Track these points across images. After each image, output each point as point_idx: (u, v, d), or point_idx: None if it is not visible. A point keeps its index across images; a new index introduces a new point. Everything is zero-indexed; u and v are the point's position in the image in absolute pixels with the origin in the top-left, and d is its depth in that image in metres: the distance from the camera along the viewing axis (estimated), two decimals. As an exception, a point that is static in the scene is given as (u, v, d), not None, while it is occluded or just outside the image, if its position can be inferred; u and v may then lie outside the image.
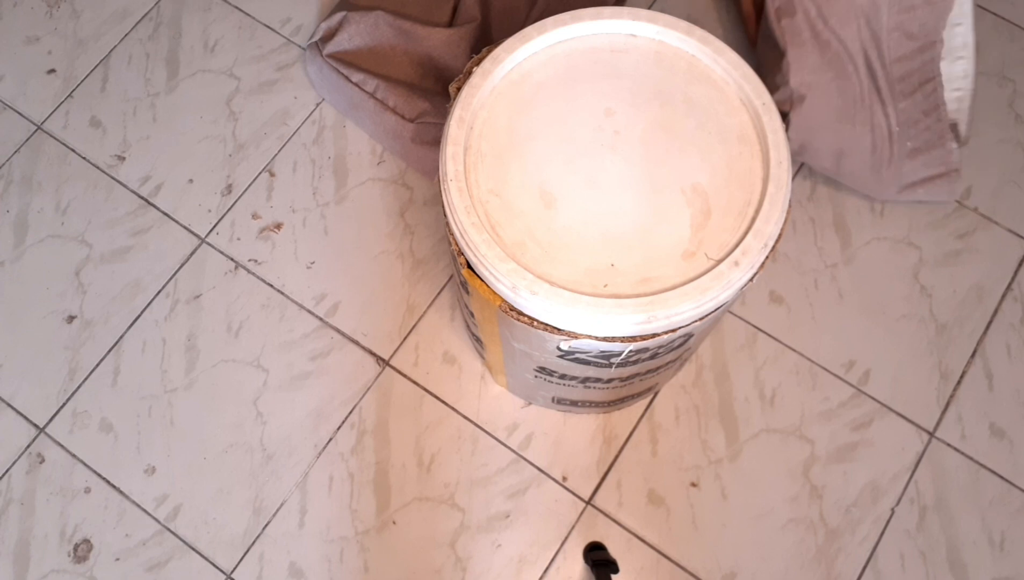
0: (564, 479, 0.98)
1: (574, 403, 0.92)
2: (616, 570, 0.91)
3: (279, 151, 1.13)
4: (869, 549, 0.94)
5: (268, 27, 1.20)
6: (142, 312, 1.06)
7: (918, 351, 1.02)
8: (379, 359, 1.03)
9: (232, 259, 1.08)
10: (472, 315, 0.80)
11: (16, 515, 0.98)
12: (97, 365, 1.04)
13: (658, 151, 0.65)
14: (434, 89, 1.11)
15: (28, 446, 1.00)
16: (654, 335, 0.61)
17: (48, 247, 1.09)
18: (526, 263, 0.61)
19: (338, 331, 1.04)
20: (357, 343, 1.04)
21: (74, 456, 1.00)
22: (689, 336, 0.66)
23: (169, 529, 0.97)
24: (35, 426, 1.01)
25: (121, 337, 1.05)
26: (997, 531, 0.94)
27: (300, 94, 1.16)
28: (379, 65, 1.10)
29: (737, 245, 0.61)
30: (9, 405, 1.02)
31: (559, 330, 0.62)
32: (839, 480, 0.97)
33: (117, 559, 0.96)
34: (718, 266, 0.60)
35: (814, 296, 1.05)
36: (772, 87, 1.00)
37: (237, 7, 1.22)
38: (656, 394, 1.01)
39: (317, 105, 1.16)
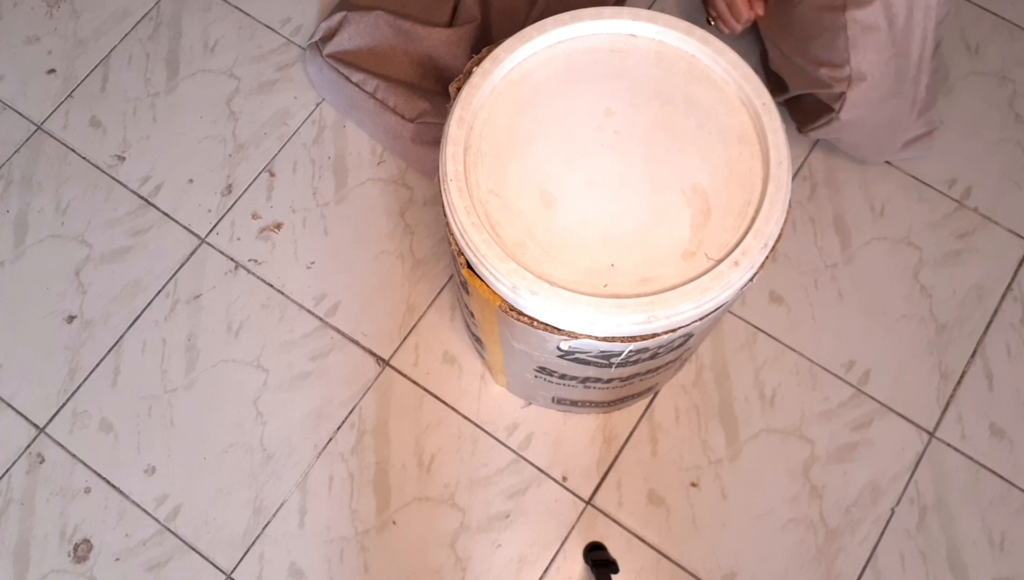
0: (564, 479, 0.98)
1: (574, 403, 0.92)
2: (616, 570, 0.91)
3: (279, 151, 1.13)
4: (869, 549, 0.94)
5: (268, 27, 1.20)
6: (142, 312, 1.06)
7: (918, 351, 1.02)
8: (379, 359, 1.03)
9: (232, 259, 1.08)
10: (472, 315, 0.80)
11: (16, 515, 0.98)
12: (97, 365, 1.04)
13: (658, 151, 0.65)
14: (434, 89, 1.11)
15: (28, 446, 1.00)
16: (654, 335, 0.61)
17: (48, 247, 1.09)
18: (526, 263, 0.61)
19: (338, 331, 1.04)
20: (357, 343, 1.04)
21: (74, 456, 1.00)
22: (689, 336, 0.66)
23: (169, 529, 0.97)
24: (35, 426, 1.01)
25: (121, 337, 1.05)
26: (997, 531, 0.94)
27: (300, 94, 1.16)
28: (379, 65, 1.10)
29: (737, 245, 0.61)
30: (9, 405, 1.02)
31: (559, 330, 0.62)
32: (839, 480, 0.97)
33: (117, 559, 0.96)
34: (718, 266, 0.60)
35: (814, 296, 1.05)
36: (817, 59, 0.96)
37: (237, 7, 1.22)
38: (656, 394, 1.01)
39: (317, 105, 1.16)
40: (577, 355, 0.67)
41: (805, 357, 1.02)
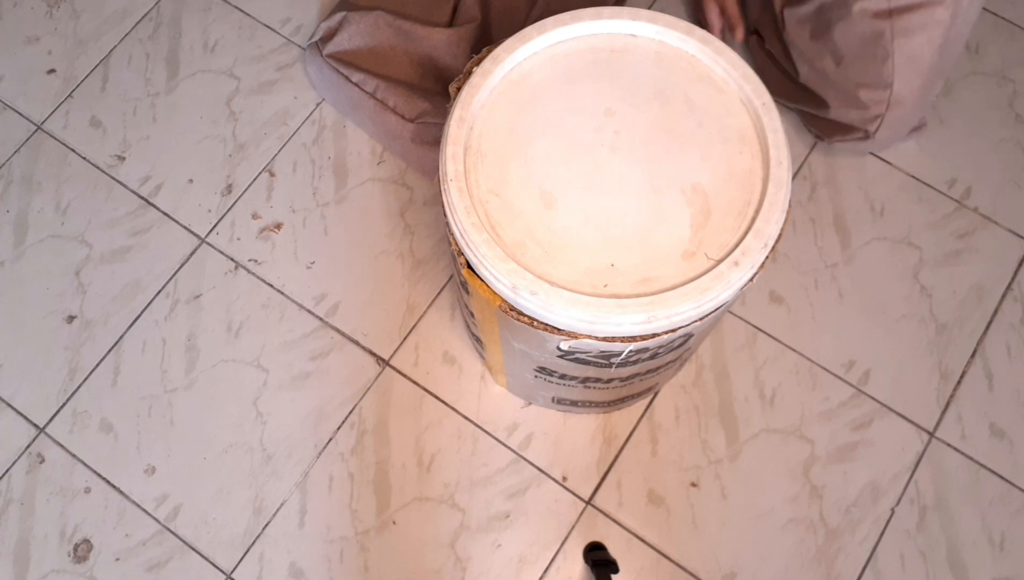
0: (564, 479, 0.98)
1: (574, 403, 0.92)
2: (616, 570, 0.91)
3: (279, 151, 1.13)
4: (869, 549, 0.94)
5: (268, 27, 1.20)
6: (142, 312, 1.06)
7: (918, 351, 1.02)
8: (379, 359, 1.03)
9: (232, 259, 1.08)
10: (472, 315, 0.80)
11: (16, 515, 0.98)
12: (97, 365, 1.04)
13: (658, 151, 0.65)
14: (434, 89, 1.11)
15: (28, 446, 1.00)
16: (654, 335, 0.61)
17: (48, 247, 1.09)
18: (526, 263, 0.61)
19: (338, 331, 1.04)
20: (357, 343, 1.04)
21: (74, 456, 1.00)
22: (689, 336, 0.66)
23: (169, 529, 0.97)
24: (35, 426, 1.01)
25: (121, 337, 1.05)
26: (997, 531, 0.94)
27: (300, 94, 1.16)
28: (379, 65, 1.10)
29: (737, 245, 0.61)
30: (9, 405, 1.02)
31: (559, 330, 0.62)
32: (839, 480, 0.97)
33: (117, 559, 0.96)
34: (718, 266, 0.60)
35: (814, 296, 1.05)
36: (856, 81, 0.96)
37: (237, 7, 1.22)
38: (656, 394, 1.01)
39: (317, 105, 1.16)
40: (577, 355, 0.67)
41: (805, 357, 1.02)
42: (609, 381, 0.78)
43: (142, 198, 1.11)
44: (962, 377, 1.01)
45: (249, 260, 1.08)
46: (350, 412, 1.01)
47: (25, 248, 1.09)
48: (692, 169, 0.64)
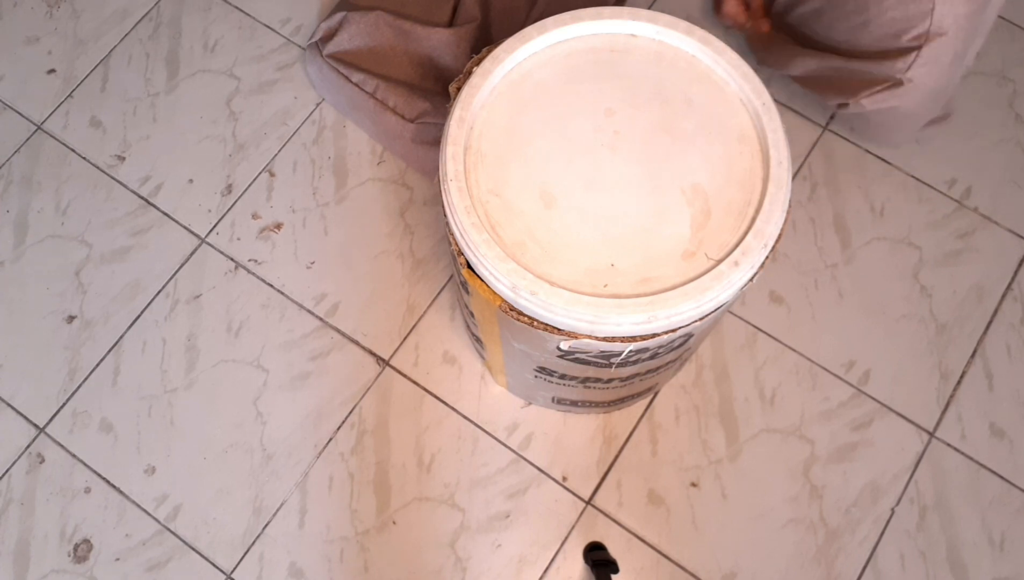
0: (564, 479, 0.98)
1: (574, 403, 0.92)
2: (616, 570, 0.91)
3: (279, 151, 1.13)
4: (869, 549, 0.94)
5: (268, 27, 1.20)
6: (142, 312, 1.06)
7: (918, 351, 1.02)
8: (379, 359, 1.03)
9: (232, 259, 1.08)
10: (472, 315, 0.80)
11: (16, 515, 0.98)
12: (97, 365, 1.04)
13: (658, 151, 0.65)
14: (434, 89, 1.11)
15: (28, 446, 1.00)
16: (654, 335, 0.61)
17: (48, 247, 1.09)
18: (526, 263, 0.61)
19: (338, 331, 1.04)
20: (357, 343, 1.04)
21: (74, 456, 1.00)
22: (689, 336, 0.66)
23: (169, 529, 0.97)
24: (35, 426, 1.01)
25: (121, 337, 1.05)
26: (997, 531, 0.94)
27: (300, 94, 1.16)
28: (379, 65, 1.10)
29: (737, 245, 0.61)
30: (9, 405, 1.02)
31: (559, 330, 0.62)
32: (839, 480, 0.97)
33: (117, 559, 0.96)
34: (718, 266, 0.60)
35: (814, 296, 1.05)
36: (891, 14, 0.88)
37: (237, 7, 1.22)
38: (656, 394, 1.01)
39: (317, 105, 1.16)
40: (577, 355, 0.67)
41: (805, 357, 1.02)
42: (609, 381, 0.78)
43: (142, 198, 1.11)
44: (962, 377, 1.01)
45: (249, 260, 1.08)
46: (350, 412, 1.01)
47: (25, 248, 1.09)
48: (692, 169, 0.64)
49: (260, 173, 1.12)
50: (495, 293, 0.63)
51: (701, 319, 0.62)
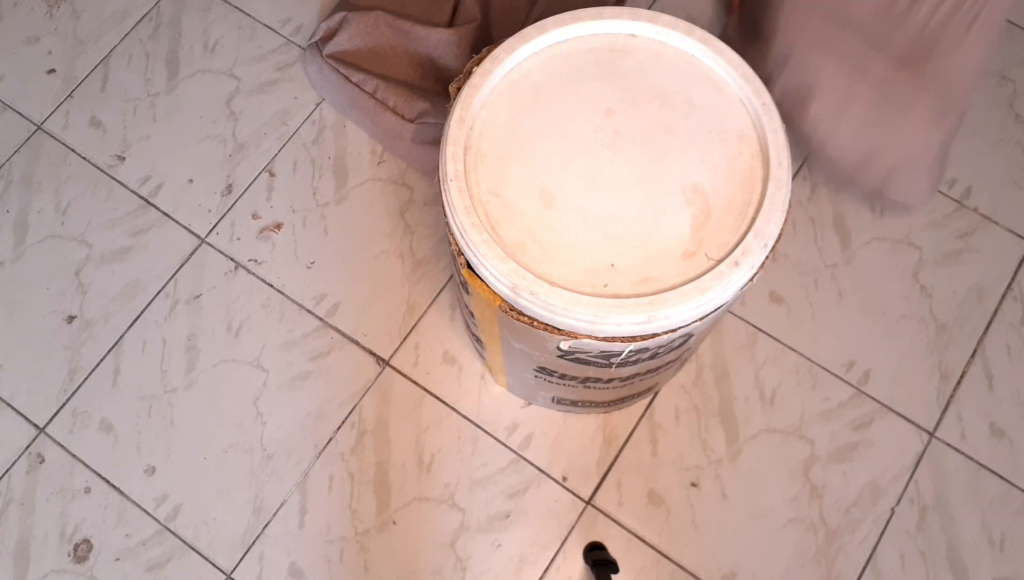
0: (564, 479, 0.98)
1: (574, 403, 0.92)
2: (616, 570, 0.91)
3: (279, 151, 1.13)
4: (869, 549, 0.94)
5: (268, 27, 1.20)
6: (142, 312, 1.06)
7: (918, 351, 1.02)
8: (379, 359, 1.03)
9: (232, 259, 1.08)
10: (472, 315, 0.80)
11: (16, 515, 0.98)
12: (97, 365, 1.04)
13: (658, 151, 0.65)
14: (434, 89, 1.11)
15: (28, 446, 1.00)
16: (654, 335, 0.61)
17: (48, 247, 1.09)
18: (526, 263, 0.61)
19: (338, 331, 1.04)
20: (357, 343, 1.04)
21: (74, 456, 1.00)
22: (689, 336, 0.66)
23: (169, 529, 0.97)
24: (35, 426, 1.01)
25: (121, 337, 1.05)
26: (997, 531, 0.94)
27: (300, 94, 1.16)
28: (379, 65, 1.10)
29: (737, 245, 0.61)
30: (9, 405, 1.02)
31: (559, 330, 0.62)
32: (839, 480, 0.97)
33: (117, 559, 0.96)
34: (718, 266, 0.60)
35: (814, 296, 1.05)
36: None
37: (237, 7, 1.22)
38: (656, 394, 1.01)
39: (317, 105, 1.16)
40: (577, 355, 0.67)
41: (805, 357, 1.02)
42: (609, 381, 0.78)
43: (142, 198, 1.11)
44: (962, 377, 1.01)
45: (249, 260, 1.08)
46: (350, 412, 1.01)
47: (25, 248, 1.09)
48: (692, 169, 0.64)
49: (260, 173, 1.12)
50: (495, 293, 0.63)
51: (701, 319, 0.62)
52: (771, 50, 0.97)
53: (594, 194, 0.64)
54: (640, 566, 0.94)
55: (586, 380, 0.77)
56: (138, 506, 0.98)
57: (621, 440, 0.99)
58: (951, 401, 1.00)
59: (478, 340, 0.90)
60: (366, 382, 1.02)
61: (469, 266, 0.64)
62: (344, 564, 0.95)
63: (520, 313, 0.62)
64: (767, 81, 0.98)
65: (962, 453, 0.97)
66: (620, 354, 0.65)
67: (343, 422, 1.00)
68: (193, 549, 0.96)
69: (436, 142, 1.09)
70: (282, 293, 1.06)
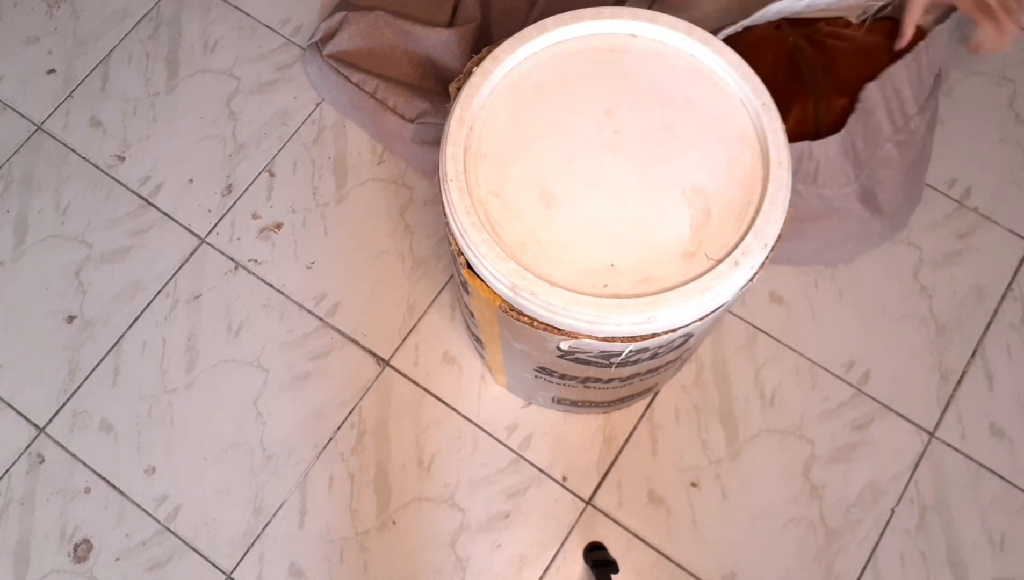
0: (564, 479, 0.98)
1: (574, 403, 0.92)
2: (616, 570, 0.91)
3: (279, 151, 1.13)
4: (869, 549, 0.94)
5: (268, 27, 1.20)
6: (142, 312, 1.06)
7: (918, 351, 1.02)
8: (379, 359, 1.03)
9: (232, 259, 1.08)
10: (472, 315, 0.80)
11: (16, 515, 0.98)
12: (97, 365, 1.04)
13: (658, 151, 0.65)
14: (434, 89, 1.11)
15: (28, 446, 1.00)
16: (654, 335, 0.61)
17: (48, 247, 1.09)
18: (526, 263, 0.61)
19: (338, 331, 1.04)
20: (357, 343, 1.04)
21: (74, 456, 1.00)
22: (689, 336, 0.66)
23: (169, 529, 0.97)
24: (35, 426, 1.01)
25: (121, 337, 1.05)
26: (997, 531, 0.94)
27: (300, 94, 1.16)
28: (379, 65, 1.10)
29: (737, 245, 0.61)
30: (9, 405, 1.02)
31: (559, 330, 0.62)
32: (839, 480, 0.97)
33: (117, 559, 0.96)
34: (718, 266, 0.60)
35: (814, 296, 1.05)
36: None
37: (237, 7, 1.22)
38: (656, 394, 1.01)
39: (317, 105, 1.16)
40: (577, 355, 0.67)
41: (805, 357, 1.02)
42: (609, 381, 0.78)
43: (142, 198, 1.11)
44: (962, 377, 1.01)
45: (249, 260, 1.08)
46: (350, 412, 1.01)
47: (25, 248, 1.09)
48: (692, 169, 0.64)
49: (260, 173, 1.12)
50: (495, 293, 0.63)
51: (701, 319, 0.62)
52: None
53: (594, 194, 0.64)
54: (640, 566, 0.94)
55: (586, 380, 0.77)
56: (138, 506, 0.98)
57: (621, 440, 0.99)
58: (951, 401, 1.00)
59: (478, 340, 0.90)
60: (366, 382, 1.02)
61: (469, 266, 0.64)
62: (344, 564, 0.95)
63: (520, 313, 0.62)
64: None
65: (962, 453, 0.97)
66: (620, 354, 0.65)
67: (343, 422, 1.00)
68: (193, 549, 0.96)
69: (436, 142, 1.09)
70: (282, 293, 1.06)
